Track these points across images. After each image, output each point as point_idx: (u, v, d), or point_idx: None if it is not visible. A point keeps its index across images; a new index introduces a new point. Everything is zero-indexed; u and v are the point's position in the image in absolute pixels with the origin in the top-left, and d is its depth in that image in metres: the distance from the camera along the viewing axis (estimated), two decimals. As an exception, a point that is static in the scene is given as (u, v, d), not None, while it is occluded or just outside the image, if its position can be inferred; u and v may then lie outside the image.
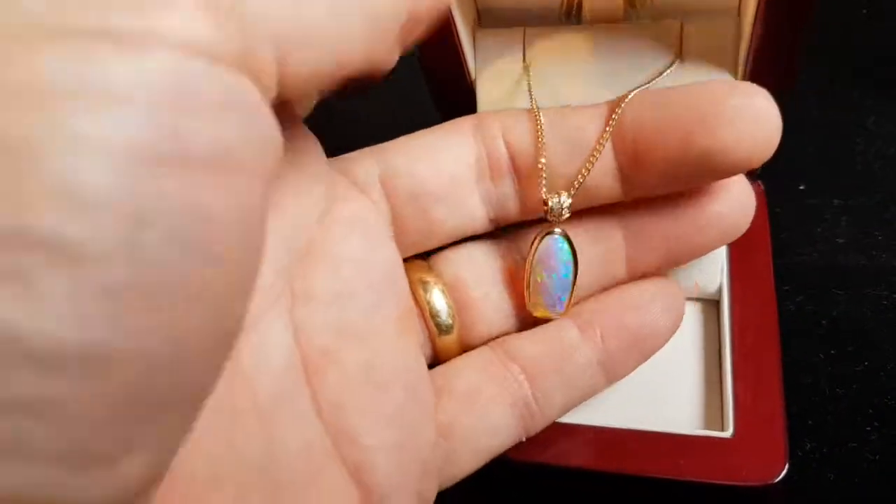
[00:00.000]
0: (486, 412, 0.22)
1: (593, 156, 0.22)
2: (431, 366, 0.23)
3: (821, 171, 0.33)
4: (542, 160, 0.22)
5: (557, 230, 0.23)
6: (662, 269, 0.23)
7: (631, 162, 0.22)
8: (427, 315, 0.23)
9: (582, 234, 0.23)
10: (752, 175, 0.29)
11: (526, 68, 0.27)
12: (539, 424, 0.23)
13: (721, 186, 0.22)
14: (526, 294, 0.23)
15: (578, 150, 0.22)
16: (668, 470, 0.22)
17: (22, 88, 0.11)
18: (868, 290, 0.29)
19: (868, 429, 0.26)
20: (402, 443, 0.21)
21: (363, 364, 0.20)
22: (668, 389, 0.25)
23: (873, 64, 0.35)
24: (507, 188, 0.23)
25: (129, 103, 0.11)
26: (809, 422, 0.26)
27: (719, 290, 0.26)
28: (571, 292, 0.23)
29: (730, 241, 0.23)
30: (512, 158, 0.23)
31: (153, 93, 0.12)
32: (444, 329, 0.23)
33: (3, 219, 0.11)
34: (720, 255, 0.27)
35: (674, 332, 0.23)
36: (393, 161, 0.23)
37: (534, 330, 0.23)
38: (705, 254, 0.23)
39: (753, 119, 0.20)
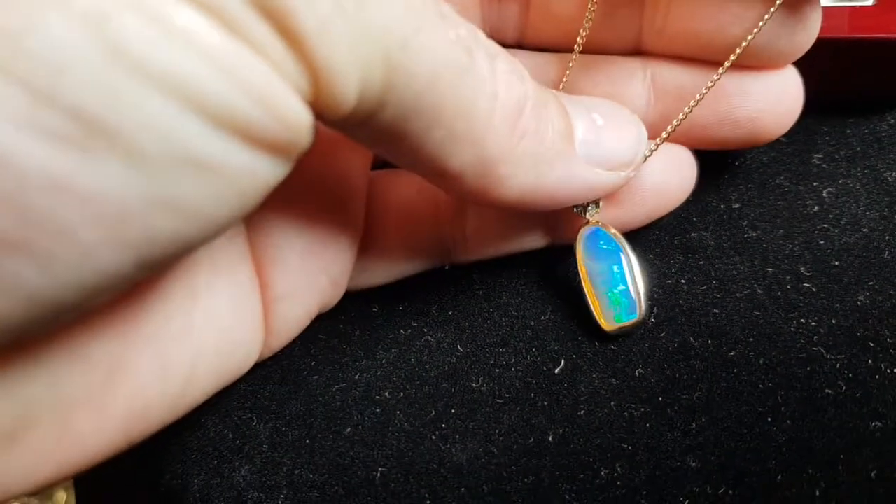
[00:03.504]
0: (412, 236, 0.23)
1: None
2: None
3: None
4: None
5: (594, 223, 0.22)
6: None
7: None
8: None
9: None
10: None
11: None
12: (462, 260, 0.23)
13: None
14: (595, 310, 0.22)
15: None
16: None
17: None
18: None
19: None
20: (311, 251, 0.21)
21: None
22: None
23: None
24: (511, 11, 0.23)
25: None
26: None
27: None
28: (637, 286, 0.22)
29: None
30: None
31: None
32: None
33: None
34: None
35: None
36: None
37: None
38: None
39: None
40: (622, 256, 0.22)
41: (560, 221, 0.23)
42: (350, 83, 0.14)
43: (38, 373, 0.16)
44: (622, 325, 0.22)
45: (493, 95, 0.17)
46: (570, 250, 0.22)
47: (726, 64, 0.21)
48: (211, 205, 0.13)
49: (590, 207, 0.22)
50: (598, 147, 0.19)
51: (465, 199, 0.20)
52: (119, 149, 0.12)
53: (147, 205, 0.12)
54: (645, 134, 0.21)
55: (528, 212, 0.21)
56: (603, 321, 0.22)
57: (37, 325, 0.13)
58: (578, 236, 0.22)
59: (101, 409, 0.17)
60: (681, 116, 0.21)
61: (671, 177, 0.22)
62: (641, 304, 0.22)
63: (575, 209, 0.22)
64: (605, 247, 0.22)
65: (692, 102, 0.21)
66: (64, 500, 0.64)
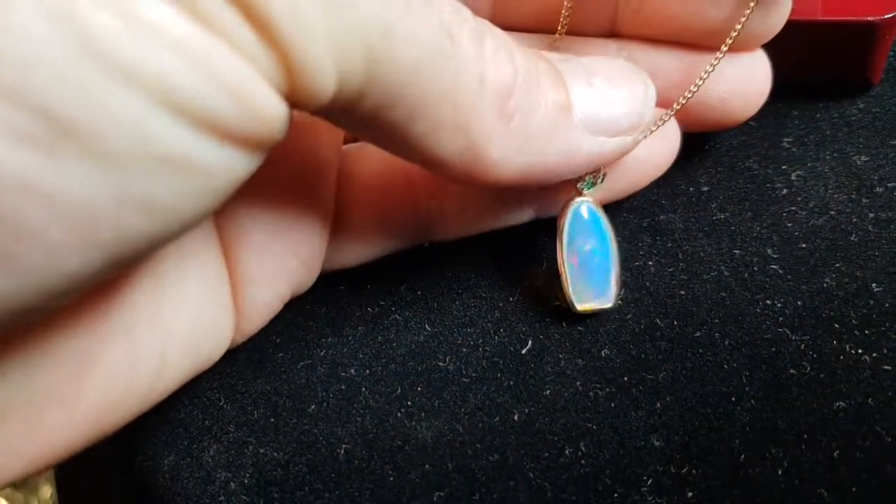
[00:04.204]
0: (388, 213, 0.22)
1: None
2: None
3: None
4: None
5: (584, 198, 0.21)
6: None
7: None
8: None
9: None
10: None
11: None
12: (442, 237, 0.23)
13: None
14: (565, 285, 0.21)
15: None
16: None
17: None
18: None
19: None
20: (279, 232, 0.21)
21: None
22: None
23: None
24: None
25: None
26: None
27: None
28: (614, 272, 0.21)
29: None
30: None
31: None
32: None
33: None
34: None
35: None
36: None
37: None
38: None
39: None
40: (606, 237, 0.21)
41: (547, 195, 0.22)
42: (327, 74, 0.14)
43: (4, 371, 0.16)
44: (594, 307, 0.22)
45: (479, 79, 0.16)
46: (547, 229, 0.22)
47: (723, 48, 0.20)
48: (182, 202, 0.13)
49: (587, 180, 0.21)
50: (598, 114, 0.19)
51: (461, 183, 0.19)
52: (87, 147, 0.12)
53: (117, 204, 0.12)
54: (653, 92, 0.20)
55: (528, 188, 0.20)
56: (575, 300, 0.21)
57: (1, 327, 0.13)
58: (564, 210, 0.21)
59: (71, 404, 0.17)
60: (688, 94, 0.21)
61: (658, 146, 0.22)
62: (615, 290, 0.22)
63: (578, 184, 0.21)
64: (590, 224, 0.21)
65: (698, 81, 0.21)
66: (49, 494, 0.64)
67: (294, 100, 0.14)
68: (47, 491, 0.62)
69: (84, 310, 0.17)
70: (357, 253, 0.23)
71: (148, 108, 0.12)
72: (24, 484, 0.64)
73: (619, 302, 0.22)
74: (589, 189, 0.21)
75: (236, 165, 0.14)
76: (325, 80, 0.14)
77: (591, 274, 0.21)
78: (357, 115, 0.15)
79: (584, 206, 0.21)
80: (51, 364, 0.16)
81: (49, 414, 0.17)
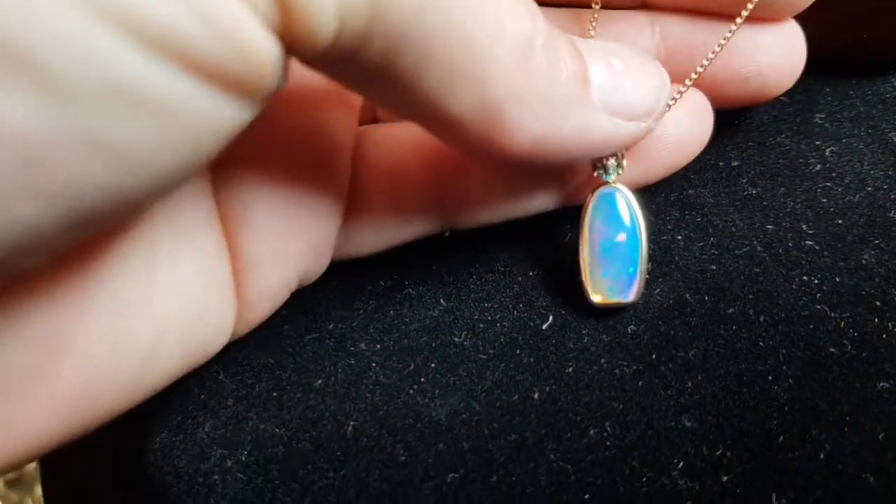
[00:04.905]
0: (406, 198, 0.21)
1: None
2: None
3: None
4: None
5: (615, 185, 0.20)
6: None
7: None
8: None
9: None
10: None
11: None
12: (464, 224, 0.21)
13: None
14: (584, 273, 0.20)
15: None
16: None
17: None
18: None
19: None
20: (286, 212, 0.19)
21: None
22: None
23: None
24: None
25: None
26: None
27: None
28: (640, 267, 0.20)
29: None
30: None
31: None
32: None
33: None
34: None
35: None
36: None
37: None
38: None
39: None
40: (634, 229, 0.20)
41: (575, 179, 0.21)
42: (327, 10, 0.12)
43: None
44: (611, 301, 0.20)
45: (497, 26, 0.15)
46: (572, 210, 0.21)
47: (744, 13, 0.19)
48: (154, 150, 0.11)
49: (609, 165, 0.20)
50: (616, 94, 0.17)
51: (468, 152, 0.18)
52: (38, 78, 0.10)
53: (69, 145, 0.10)
54: (668, 80, 0.19)
55: (538, 166, 0.19)
56: (592, 291, 0.20)
57: None
58: (590, 196, 0.20)
59: (46, 390, 0.15)
60: (705, 63, 0.20)
61: (692, 126, 0.21)
62: (638, 286, 0.20)
63: (595, 171, 0.20)
64: (618, 215, 0.20)
65: (711, 56, 0.20)
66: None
67: (289, 40, 0.12)
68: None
69: (61, 283, 0.15)
70: (371, 239, 0.21)
71: (110, 36, 0.10)
72: (18, 482, 0.62)
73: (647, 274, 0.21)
74: (608, 176, 0.20)
75: (221, 113, 0.12)
76: (324, 17, 0.12)
77: (612, 266, 0.20)
78: (363, 63, 0.14)
79: (613, 194, 0.20)
80: (24, 337, 0.15)
81: (25, 395, 0.15)
